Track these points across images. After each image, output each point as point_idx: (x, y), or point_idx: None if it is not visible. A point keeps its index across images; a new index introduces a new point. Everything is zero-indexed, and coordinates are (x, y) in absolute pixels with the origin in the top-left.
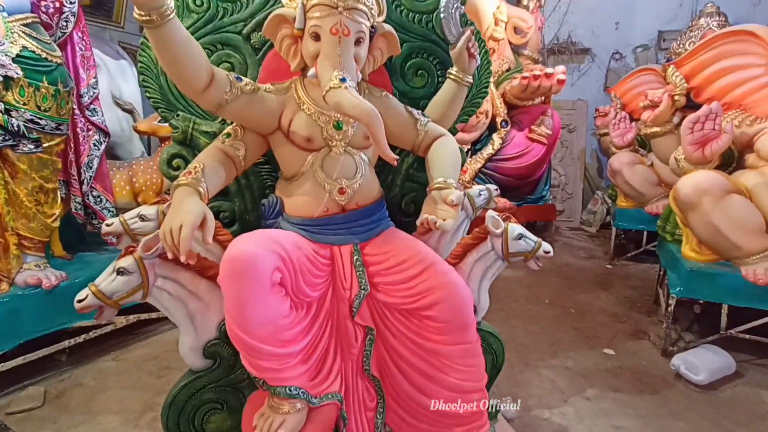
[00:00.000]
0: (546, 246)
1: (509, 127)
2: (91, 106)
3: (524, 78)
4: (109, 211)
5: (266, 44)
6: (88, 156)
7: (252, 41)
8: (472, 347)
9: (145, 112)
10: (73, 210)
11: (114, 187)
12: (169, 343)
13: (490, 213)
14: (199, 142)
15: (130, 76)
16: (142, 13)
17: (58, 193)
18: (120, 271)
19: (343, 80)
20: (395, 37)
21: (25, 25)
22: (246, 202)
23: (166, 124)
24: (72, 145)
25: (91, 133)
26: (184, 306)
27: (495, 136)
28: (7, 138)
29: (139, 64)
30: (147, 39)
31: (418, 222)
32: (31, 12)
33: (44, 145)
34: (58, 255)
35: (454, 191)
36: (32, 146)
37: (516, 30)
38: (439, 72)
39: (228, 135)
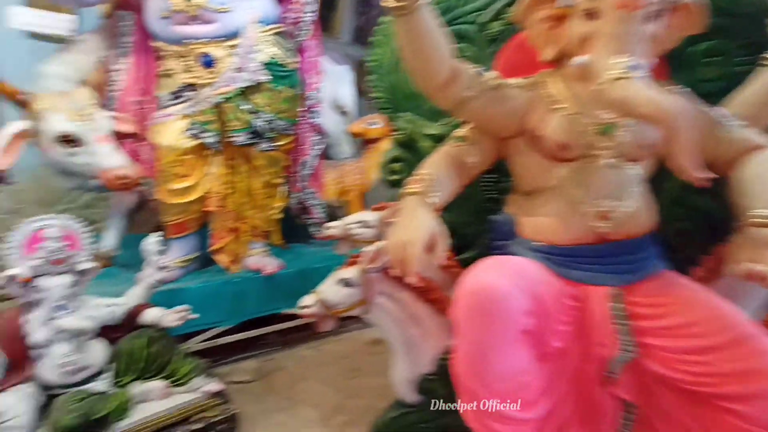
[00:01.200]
0: None
1: None
2: (314, 109)
3: None
4: (320, 207)
5: (503, 35)
6: (307, 155)
7: (486, 31)
8: None
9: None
10: (291, 204)
11: (326, 185)
12: (358, 342)
13: None
14: (421, 145)
15: (347, 81)
16: None
17: (282, 188)
18: (345, 282)
19: (632, 68)
20: (700, 10)
21: (274, 34)
22: (464, 215)
23: (377, 126)
24: (296, 145)
25: (311, 134)
26: (403, 330)
27: None
28: (251, 137)
29: (371, 62)
30: (379, 37)
31: (732, 271)
32: (279, 22)
33: (277, 144)
34: (276, 244)
35: None
36: (268, 145)
37: None
38: (737, 59)
39: (460, 138)
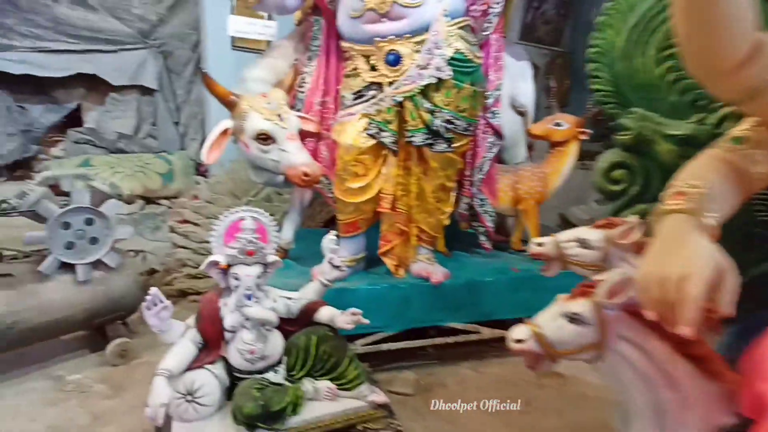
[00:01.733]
0: None
1: None
2: (493, 109)
3: None
4: (490, 215)
5: None
6: (482, 158)
7: None
8: None
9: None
10: (460, 210)
11: (498, 191)
12: (526, 371)
13: None
14: (657, 149)
15: (528, 78)
16: None
17: (453, 192)
18: (573, 318)
19: None
20: None
21: (460, 28)
22: (722, 241)
23: (563, 128)
24: (471, 147)
25: (487, 135)
26: (651, 392)
27: None
28: (428, 137)
29: (593, 49)
30: (607, 17)
31: None
32: (465, 15)
33: (454, 145)
34: (439, 251)
35: None
36: (445, 146)
37: None
38: None
39: (739, 140)
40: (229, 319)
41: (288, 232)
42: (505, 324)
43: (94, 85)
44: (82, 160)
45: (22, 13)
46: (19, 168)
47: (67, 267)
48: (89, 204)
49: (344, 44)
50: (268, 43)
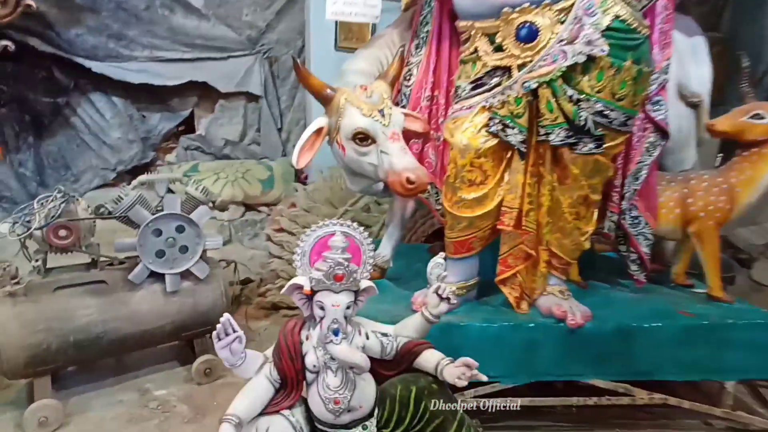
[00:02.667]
0: None
1: None
2: (655, 98)
3: None
4: (646, 238)
5: None
6: (637, 163)
7: None
8: None
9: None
10: (605, 229)
11: (659, 207)
12: None
13: None
14: None
15: (703, 58)
16: None
17: (597, 207)
18: None
19: None
20: None
21: None
22: None
23: (766, 122)
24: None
25: (646, 133)
26: None
27: None
28: (570, 135)
29: None
30: None
31: None
32: None
33: (605, 146)
34: (572, 279)
35: None
36: (593, 146)
37: None
38: None
39: None
40: (312, 357)
41: (386, 249)
42: (669, 387)
43: (205, 92)
44: (190, 166)
45: (143, 25)
46: (139, 173)
47: (157, 276)
48: (180, 210)
49: (461, 24)
50: (373, 30)
